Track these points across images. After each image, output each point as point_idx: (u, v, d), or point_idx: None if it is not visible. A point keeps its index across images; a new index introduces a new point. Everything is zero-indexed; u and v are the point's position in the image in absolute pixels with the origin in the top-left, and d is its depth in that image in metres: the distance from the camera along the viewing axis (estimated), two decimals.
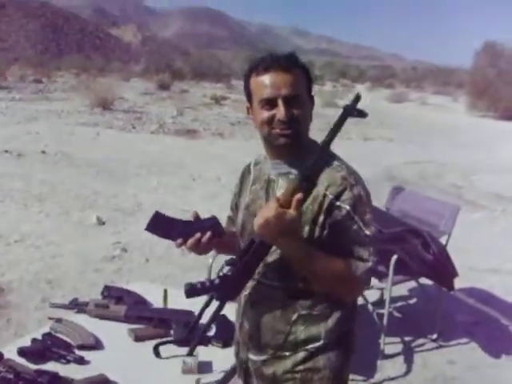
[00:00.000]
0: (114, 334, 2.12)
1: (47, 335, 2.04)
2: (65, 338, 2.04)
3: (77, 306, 2.31)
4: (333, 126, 1.45)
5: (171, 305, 2.30)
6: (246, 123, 15.83)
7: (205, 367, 1.90)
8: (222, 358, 1.98)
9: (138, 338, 2.09)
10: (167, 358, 1.86)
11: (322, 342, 1.63)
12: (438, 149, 13.76)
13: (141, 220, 6.53)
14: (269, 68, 1.56)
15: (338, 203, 1.53)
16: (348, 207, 1.53)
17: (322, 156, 1.47)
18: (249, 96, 1.65)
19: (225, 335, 2.09)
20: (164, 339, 2.00)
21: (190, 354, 1.83)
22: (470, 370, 3.72)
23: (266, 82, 1.56)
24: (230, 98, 23.95)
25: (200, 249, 1.65)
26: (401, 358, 3.77)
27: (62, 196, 7.36)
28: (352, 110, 1.44)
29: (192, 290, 1.54)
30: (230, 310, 2.29)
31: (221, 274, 1.58)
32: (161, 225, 1.64)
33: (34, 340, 2.01)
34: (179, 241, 1.63)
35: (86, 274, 4.88)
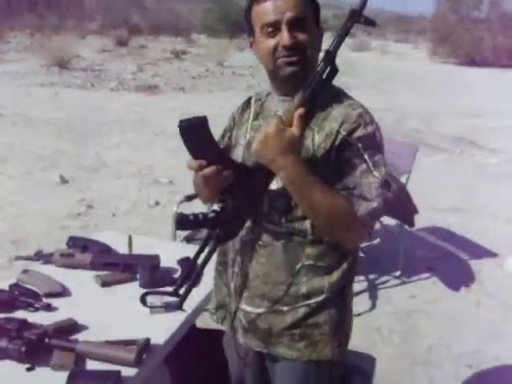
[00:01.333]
0: (81, 281, 2.14)
1: (14, 286, 2.05)
2: (32, 287, 2.06)
3: (42, 257, 2.32)
4: (338, 34, 1.36)
5: (136, 251, 2.33)
6: (206, 76, 15.64)
7: (171, 307, 1.94)
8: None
9: (105, 283, 2.12)
10: (153, 307, 1.77)
11: (324, 295, 1.54)
12: (399, 95, 13.88)
13: (105, 177, 6.49)
14: None
15: (349, 140, 1.45)
16: (359, 144, 1.45)
17: (326, 67, 1.36)
18: (251, 29, 1.55)
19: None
20: (152, 289, 1.85)
21: (180, 307, 1.62)
22: (430, 302, 3.89)
23: (268, 7, 1.45)
24: (191, 52, 23.58)
25: (212, 182, 1.42)
26: (365, 295, 3.91)
27: (23, 157, 7.22)
28: (359, 16, 1.31)
29: (183, 222, 1.45)
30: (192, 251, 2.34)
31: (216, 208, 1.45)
32: (196, 134, 1.37)
33: (0, 291, 2.02)
34: (199, 162, 1.38)
35: (52, 232, 4.86)
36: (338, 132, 1.46)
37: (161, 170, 6.46)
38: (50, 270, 2.20)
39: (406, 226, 4.14)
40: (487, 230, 5.16)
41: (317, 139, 1.48)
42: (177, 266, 2.22)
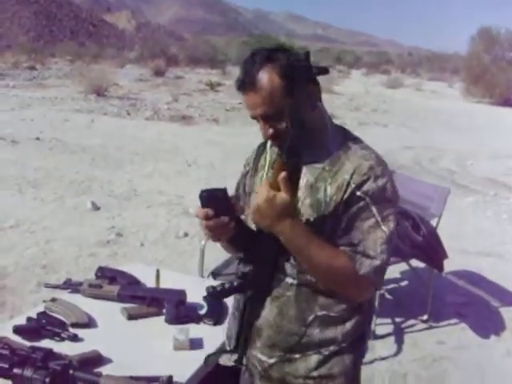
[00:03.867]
0: (108, 312, 2.16)
1: (42, 314, 2.08)
2: (59, 316, 2.08)
3: (71, 286, 2.35)
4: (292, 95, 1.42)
5: (163, 285, 2.34)
6: (240, 109, 15.80)
7: (196, 344, 1.94)
8: (212, 335, 2.03)
9: (131, 316, 2.13)
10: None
11: (336, 345, 1.53)
12: (433, 134, 13.80)
13: (136, 205, 6.57)
14: (239, 90, 1.49)
15: (358, 193, 1.43)
16: (368, 198, 1.42)
17: (294, 127, 1.40)
18: None
19: (216, 314, 2.14)
20: (215, 351, 1.75)
21: (240, 362, 1.64)
22: (459, 349, 3.79)
23: (244, 101, 1.50)
24: (225, 84, 23.89)
25: (214, 232, 1.47)
26: (391, 339, 3.83)
27: (57, 182, 7.38)
28: (311, 72, 1.43)
29: (214, 294, 1.52)
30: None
31: (239, 273, 1.56)
32: (216, 203, 1.46)
33: (28, 319, 2.04)
34: (205, 211, 1.44)
35: (81, 258, 4.92)
36: (349, 184, 1.44)
37: (191, 201, 6.51)
38: (78, 300, 2.23)
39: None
40: None
41: (329, 191, 1.47)
42: (202, 302, 2.22)
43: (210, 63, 39.95)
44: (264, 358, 1.59)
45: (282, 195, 1.37)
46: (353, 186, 1.43)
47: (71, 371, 1.66)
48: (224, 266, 3.53)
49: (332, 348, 1.53)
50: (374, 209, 1.42)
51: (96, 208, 6.32)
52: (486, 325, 4.15)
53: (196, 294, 2.24)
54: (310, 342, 1.52)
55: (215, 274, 3.42)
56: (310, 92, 1.48)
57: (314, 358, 1.53)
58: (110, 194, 6.95)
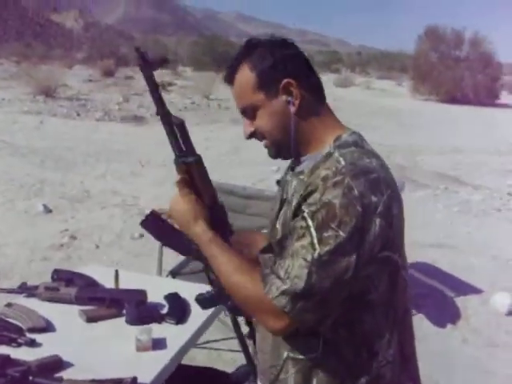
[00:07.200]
0: (66, 315, 2.10)
1: None
2: (15, 321, 2.01)
3: (26, 290, 2.27)
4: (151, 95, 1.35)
5: (123, 286, 2.29)
6: (193, 109, 15.71)
7: (159, 344, 1.91)
8: (175, 334, 2.00)
9: (90, 318, 2.07)
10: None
11: None
12: (383, 132, 14.04)
13: (89, 207, 6.43)
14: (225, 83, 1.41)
15: (303, 207, 1.20)
16: (307, 211, 1.18)
17: (170, 129, 1.36)
18: None
19: (178, 313, 2.11)
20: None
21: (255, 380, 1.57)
22: (416, 339, 3.85)
23: None
24: (177, 84, 23.72)
25: None
26: None
27: (7, 185, 7.14)
28: (150, 66, 1.32)
29: (201, 301, 1.49)
30: (185, 288, 2.32)
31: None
32: (155, 225, 1.55)
33: None
34: None
35: (34, 262, 4.78)
36: (300, 196, 1.24)
37: (146, 201, 6.42)
38: (34, 304, 2.16)
39: None
40: (472, 267, 5.18)
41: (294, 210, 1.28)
42: (163, 302, 2.19)
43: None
44: None
45: (174, 197, 1.42)
46: (300, 198, 1.23)
47: (30, 377, 1.61)
48: (182, 265, 3.49)
49: None
50: (312, 226, 1.17)
51: (48, 211, 6.15)
52: (442, 314, 4.24)
53: (156, 294, 2.21)
54: (287, 382, 1.32)
55: (174, 273, 3.38)
56: (286, 88, 1.31)
57: None
58: (62, 196, 6.78)
